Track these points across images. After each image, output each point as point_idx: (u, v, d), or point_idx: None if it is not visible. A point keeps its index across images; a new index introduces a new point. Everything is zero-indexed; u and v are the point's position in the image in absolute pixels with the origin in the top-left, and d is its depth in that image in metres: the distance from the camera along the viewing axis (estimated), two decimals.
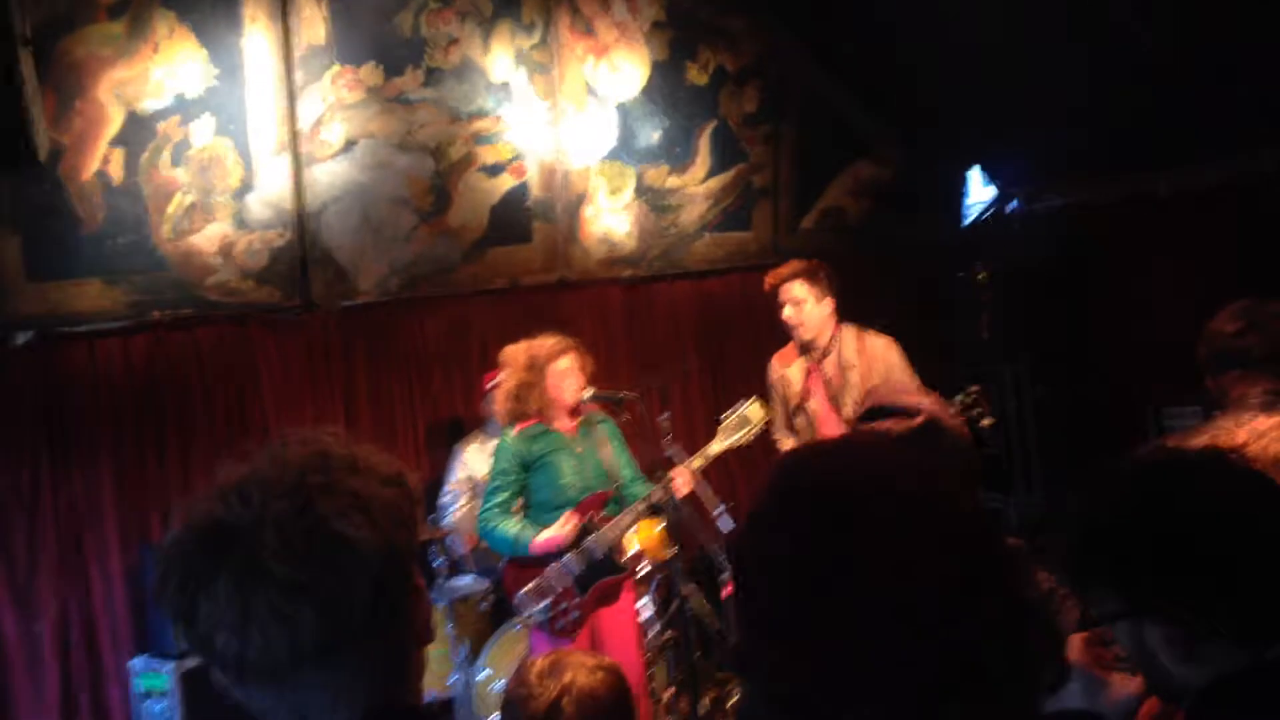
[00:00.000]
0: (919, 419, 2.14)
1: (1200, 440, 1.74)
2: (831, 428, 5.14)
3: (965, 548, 0.99)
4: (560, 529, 4.53)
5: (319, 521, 1.16)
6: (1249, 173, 6.05)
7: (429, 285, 6.21)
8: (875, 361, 5.07)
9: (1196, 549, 1.38)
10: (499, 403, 4.80)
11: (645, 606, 5.14)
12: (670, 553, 5.03)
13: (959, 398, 4.36)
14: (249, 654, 1.15)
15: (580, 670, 2.26)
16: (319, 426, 1.30)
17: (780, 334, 6.76)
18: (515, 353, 4.73)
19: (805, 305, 5.05)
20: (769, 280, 5.15)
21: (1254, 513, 1.41)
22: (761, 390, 5.18)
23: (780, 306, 5.10)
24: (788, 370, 5.24)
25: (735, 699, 5.56)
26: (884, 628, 0.95)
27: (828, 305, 5.09)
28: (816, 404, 5.15)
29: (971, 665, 0.95)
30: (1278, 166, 5.92)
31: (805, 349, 5.15)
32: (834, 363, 5.12)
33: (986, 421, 4.42)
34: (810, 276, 5.05)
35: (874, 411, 2.23)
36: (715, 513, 4.71)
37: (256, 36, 5.49)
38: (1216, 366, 3.04)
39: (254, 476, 1.20)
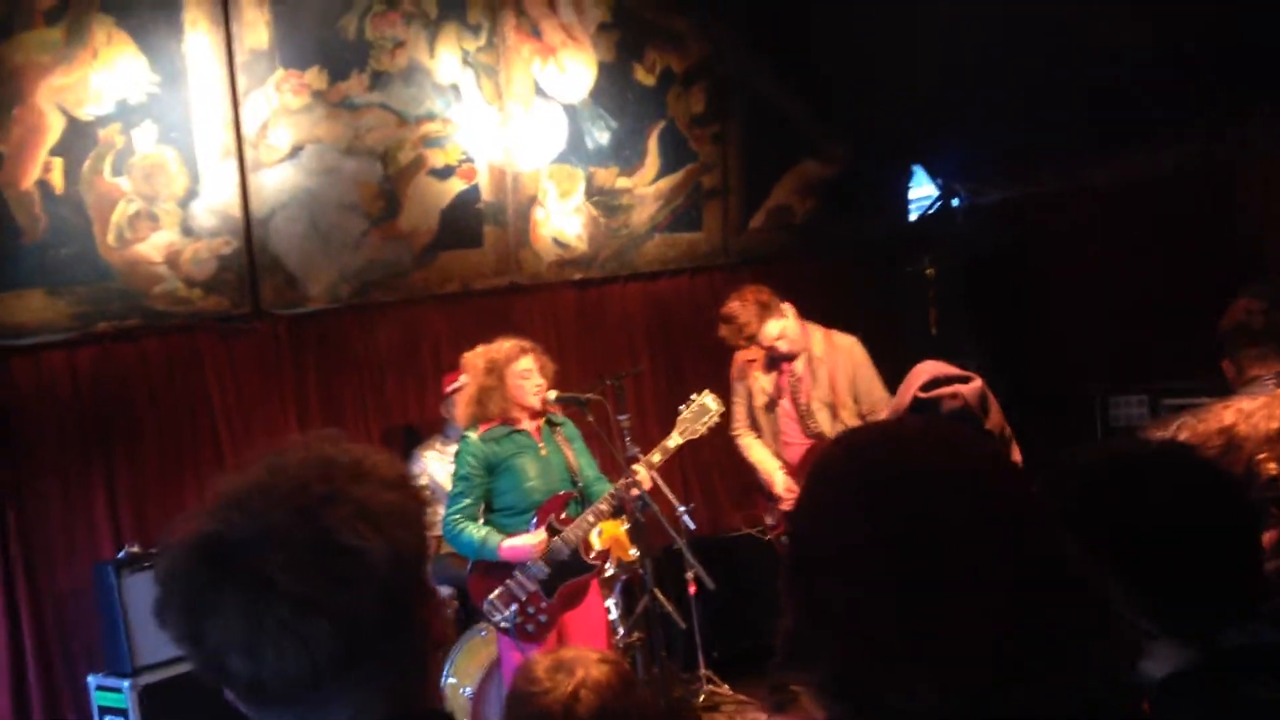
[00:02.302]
0: (977, 383, 2.26)
1: (1190, 423, 1.77)
2: (795, 428, 5.21)
3: (1036, 531, 0.99)
4: (530, 540, 4.52)
5: (325, 534, 1.11)
6: (1186, 162, 6.19)
7: (380, 291, 6.15)
8: (843, 357, 5.15)
9: (1141, 549, 1.39)
10: (460, 408, 4.77)
11: (611, 607, 5.13)
12: (634, 554, 5.03)
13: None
14: (264, 675, 1.10)
15: (589, 663, 2.26)
16: (291, 435, 1.25)
17: None
18: (474, 357, 4.71)
19: (786, 331, 5.08)
20: (739, 344, 5.12)
21: (1198, 510, 1.43)
22: (714, 386, 5.17)
23: (766, 350, 5.12)
24: (755, 368, 5.27)
25: (701, 699, 5.57)
26: (956, 611, 0.95)
27: (790, 311, 5.14)
28: (787, 403, 5.20)
29: (1043, 647, 0.96)
30: (1215, 155, 6.06)
31: (789, 359, 5.16)
32: (804, 361, 5.16)
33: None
34: (768, 310, 5.05)
35: (939, 380, 2.32)
36: (678, 512, 4.73)
37: (198, 41, 5.40)
38: (1233, 345, 3.07)
39: (254, 488, 1.14)
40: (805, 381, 5.14)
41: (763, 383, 5.25)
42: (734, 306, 5.08)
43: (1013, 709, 0.96)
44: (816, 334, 5.21)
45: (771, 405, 5.24)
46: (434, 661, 1.29)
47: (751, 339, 5.05)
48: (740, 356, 5.34)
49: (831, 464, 1.08)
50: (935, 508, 0.98)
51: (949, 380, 2.33)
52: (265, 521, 1.11)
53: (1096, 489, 1.46)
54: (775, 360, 5.21)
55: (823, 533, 1.04)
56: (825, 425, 5.11)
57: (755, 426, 5.33)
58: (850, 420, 5.09)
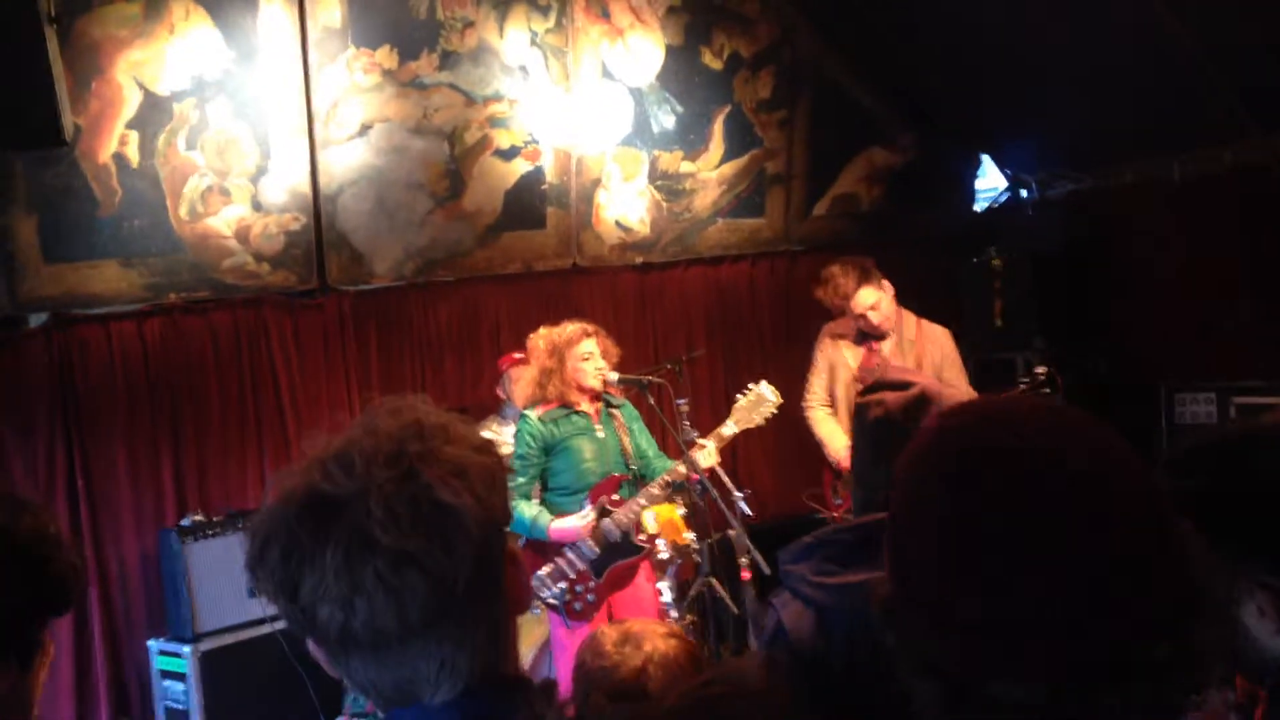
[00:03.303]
0: (914, 390, 2.22)
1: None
2: None
3: (1142, 527, 0.97)
4: (580, 521, 4.55)
5: (423, 490, 1.14)
6: (1263, 156, 6.04)
7: (443, 270, 6.20)
8: (932, 345, 5.22)
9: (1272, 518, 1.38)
10: (524, 389, 4.82)
11: (665, 590, 5.14)
12: (689, 538, 5.04)
13: (1025, 378, 4.41)
14: (354, 626, 1.13)
15: (657, 637, 2.25)
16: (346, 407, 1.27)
17: (793, 322, 6.79)
18: (537, 339, 4.77)
19: (882, 303, 5.15)
20: (834, 302, 5.19)
21: None
22: (771, 375, 5.17)
23: (857, 319, 5.18)
24: (843, 346, 5.33)
25: None
26: (1052, 605, 0.93)
27: (889, 289, 5.21)
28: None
29: (1138, 651, 0.93)
30: None
31: (877, 336, 5.23)
32: (894, 343, 5.22)
33: None
34: (867, 277, 5.12)
35: (872, 386, 2.29)
36: (735, 497, 4.73)
37: (272, 17, 5.47)
38: None
39: (353, 447, 1.16)
40: (893, 363, 5.18)
41: (848, 358, 5.30)
42: (834, 269, 5.19)
43: (1106, 702, 0.94)
44: (910, 320, 5.30)
45: (852, 385, 5.26)
46: (514, 626, 1.31)
47: (846, 301, 5.12)
48: (829, 329, 5.40)
49: (931, 438, 1.07)
50: (1030, 492, 0.96)
51: (882, 387, 2.30)
52: (366, 477, 1.14)
53: (1229, 461, 1.46)
54: (864, 336, 5.26)
55: (921, 510, 1.03)
56: None
57: (831, 402, 5.36)
58: None
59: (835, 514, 5.45)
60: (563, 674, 4.19)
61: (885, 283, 5.21)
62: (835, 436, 5.33)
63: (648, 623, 2.40)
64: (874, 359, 5.27)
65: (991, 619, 0.95)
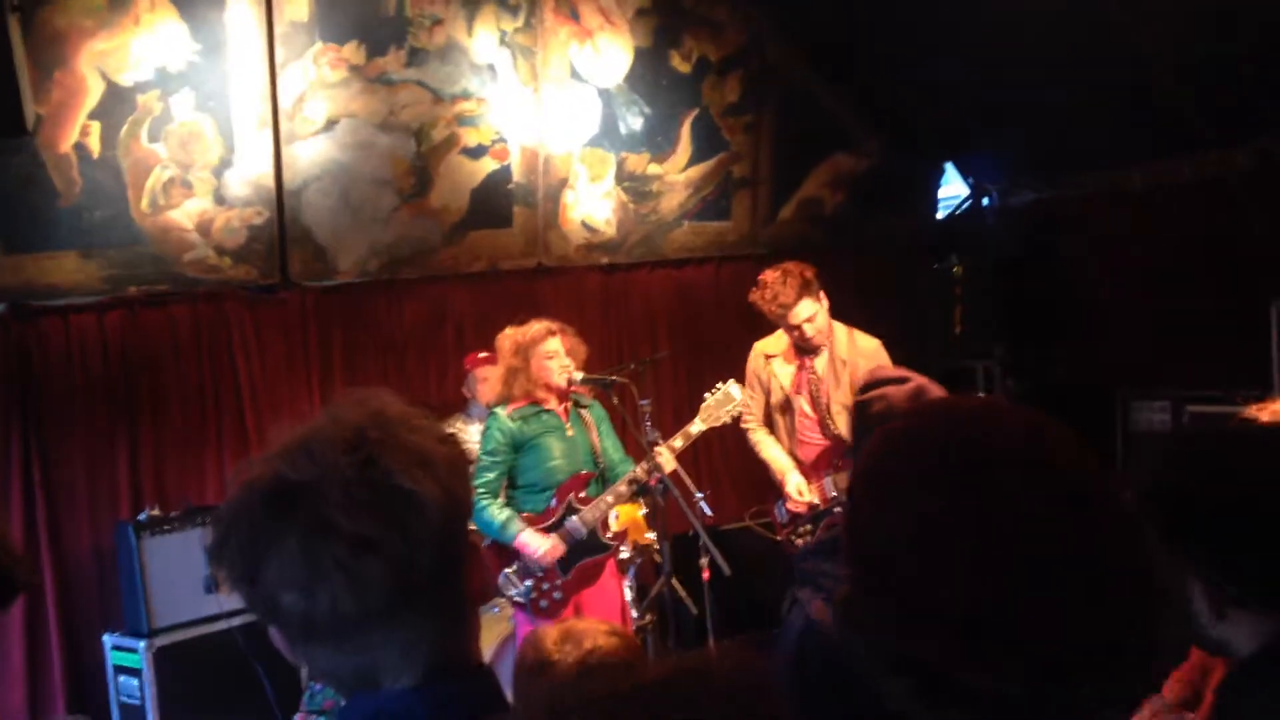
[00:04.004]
0: (912, 384, 2.26)
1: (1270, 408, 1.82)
2: (810, 424, 5.10)
3: (1114, 524, 0.99)
4: (544, 546, 4.56)
5: (383, 476, 1.16)
6: (1221, 168, 6.14)
7: (408, 267, 6.19)
8: (865, 360, 4.98)
9: (1245, 521, 1.42)
10: (492, 388, 4.84)
11: (626, 590, 5.16)
12: (650, 537, 5.06)
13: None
14: (316, 612, 1.14)
15: (597, 635, 2.26)
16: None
17: (758, 326, 6.79)
18: (504, 339, 4.80)
19: (817, 317, 4.93)
20: (771, 311, 4.94)
21: None
22: (734, 378, 5.14)
23: (789, 330, 4.98)
24: (775, 363, 5.15)
25: None
26: (1030, 599, 0.95)
27: (825, 301, 5.01)
28: (804, 400, 5.09)
29: (1110, 644, 0.96)
30: (1250, 162, 6.01)
31: (809, 351, 5.05)
32: (826, 361, 5.05)
33: None
34: (807, 289, 4.90)
35: (871, 384, 2.33)
36: (696, 498, 4.75)
37: (238, 11, 5.43)
38: None
39: (314, 434, 1.18)
40: (826, 382, 5.04)
41: (781, 378, 5.13)
42: (773, 275, 4.93)
43: (1078, 695, 0.96)
44: (841, 334, 5.10)
45: (787, 404, 5.11)
46: (475, 618, 1.32)
47: (783, 310, 4.88)
48: (759, 348, 5.25)
49: (904, 436, 1.08)
50: (1006, 488, 0.98)
51: (882, 383, 2.35)
52: (325, 464, 1.15)
53: (1196, 461, 1.51)
54: (798, 351, 5.10)
55: (896, 506, 1.04)
56: (844, 428, 4.94)
57: (769, 423, 5.21)
58: None
59: (780, 535, 5.24)
60: None
61: (822, 295, 5.00)
62: (776, 457, 5.13)
63: (591, 621, 2.42)
64: (806, 375, 5.09)
65: (969, 614, 0.97)
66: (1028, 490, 0.98)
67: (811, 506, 4.96)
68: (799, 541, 5.01)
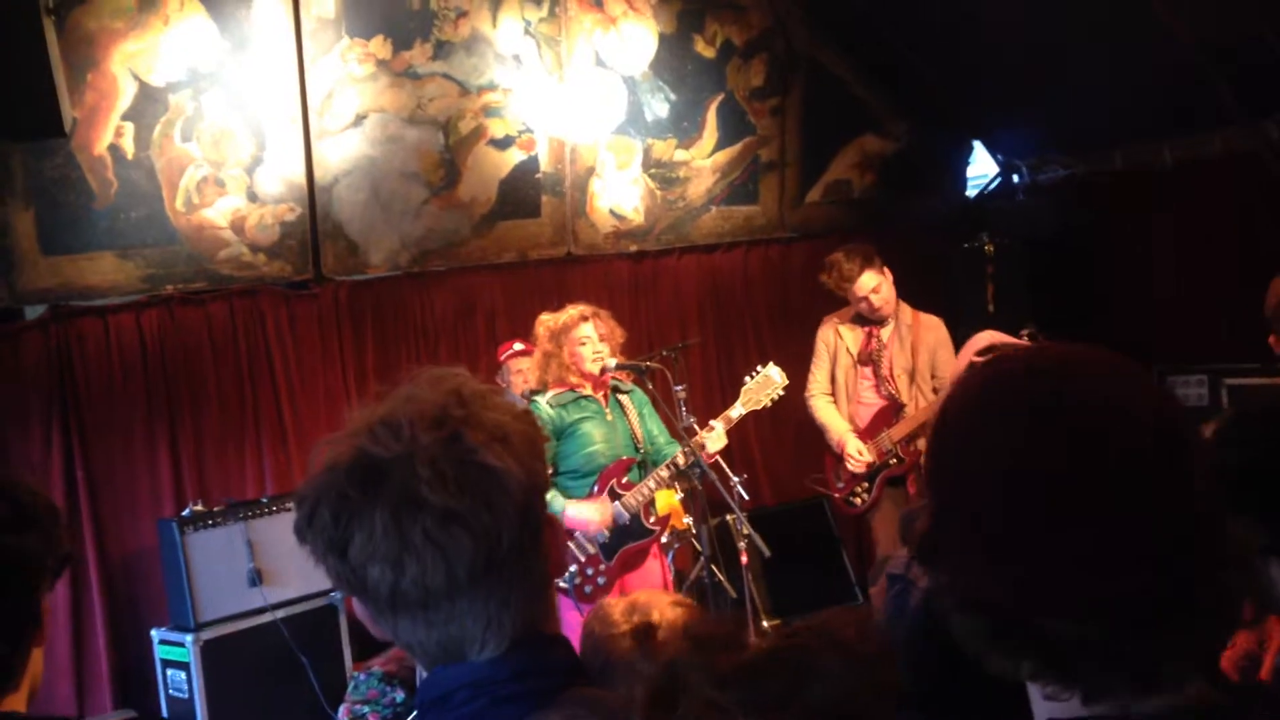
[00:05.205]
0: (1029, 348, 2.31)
1: None
2: (870, 388, 5.55)
3: (1201, 474, 1.00)
4: (595, 512, 4.59)
5: (468, 452, 1.19)
6: (1253, 142, 6.08)
7: (438, 259, 6.22)
8: (928, 332, 5.49)
9: None
10: (530, 374, 4.89)
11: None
12: (688, 522, 5.07)
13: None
14: (403, 584, 1.17)
15: (664, 606, 2.26)
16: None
17: (788, 309, 6.83)
18: (540, 325, 4.82)
19: (882, 288, 5.41)
20: (838, 286, 5.43)
21: None
22: (763, 363, 5.20)
23: (857, 302, 5.45)
24: (844, 330, 5.57)
25: None
26: (1113, 547, 0.96)
27: (889, 275, 5.47)
28: (870, 366, 5.52)
29: (1185, 600, 0.96)
30: None
31: (877, 321, 5.49)
32: (892, 330, 5.50)
33: None
34: (869, 262, 5.38)
35: (989, 349, 2.37)
36: (732, 482, 4.76)
37: (266, 9, 5.47)
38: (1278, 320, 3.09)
39: (397, 413, 1.21)
40: (890, 349, 5.48)
41: (848, 343, 5.54)
42: (839, 255, 5.44)
43: (1156, 646, 0.97)
44: (906, 310, 5.56)
45: (853, 368, 5.55)
46: (553, 592, 1.35)
47: (849, 285, 5.37)
48: (829, 320, 5.65)
49: (1004, 380, 1.08)
50: (1098, 430, 0.99)
51: (1000, 348, 2.38)
52: (411, 441, 1.19)
53: (1260, 429, 1.53)
54: (864, 321, 5.51)
55: (985, 443, 1.04)
56: (903, 390, 5.46)
57: (832, 389, 5.61)
58: (925, 389, 5.47)
59: (836, 495, 5.63)
60: None
61: (886, 269, 5.45)
62: (835, 422, 5.56)
63: (654, 593, 2.42)
64: (872, 344, 5.52)
65: (1054, 556, 0.97)
66: (1118, 435, 0.99)
67: (870, 465, 5.42)
68: (857, 501, 5.49)
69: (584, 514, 4.61)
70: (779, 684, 0.95)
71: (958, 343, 5.30)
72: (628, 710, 0.96)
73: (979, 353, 2.43)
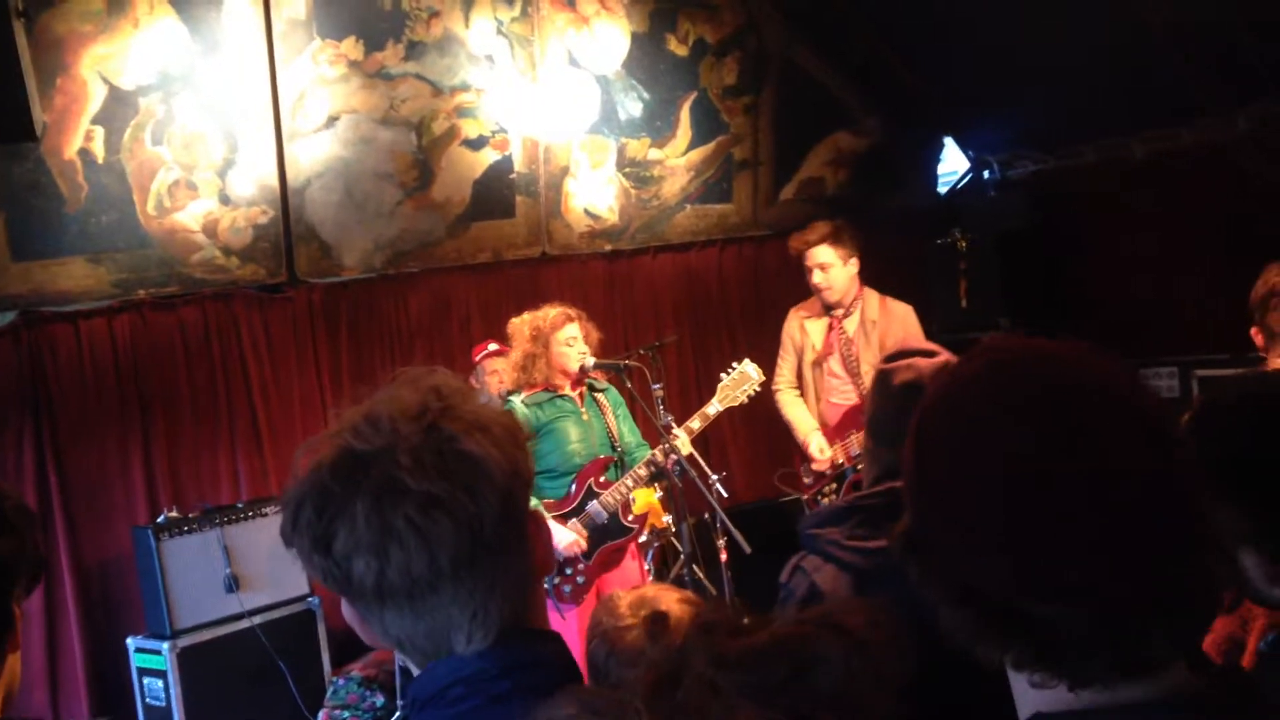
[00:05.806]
0: (940, 358, 2.28)
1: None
2: (839, 383, 5.38)
3: (1189, 466, 1.01)
4: (568, 538, 4.60)
5: (447, 440, 1.20)
6: (1223, 134, 6.14)
7: (413, 260, 6.20)
8: (896, 323, 5.30)
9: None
10: (508, 374, 4.86)
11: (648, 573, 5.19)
12: (667, 520, 5.08)
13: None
14: (388, 574, 1.18)
15: (671, 601, 2.25)
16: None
17: (763, 306, 6.84)
18: (520, 325, 4.80)
19: (832, 269, 5.25)
20: (795, 246, 5.33)
21: None
22: (741, 359, 5.22)
23: (808, 272, 5.30)
24: (809, 325, 5.44)
25: None
26: (1105, 540, 0.97)
27: (853, 266, 5.31)
28: (835, 361, 5.37)
29: (1172, 586, 0.98)
30: (1251, 128, 6.01)
31: (830, 308, 5.35)
32: (856, 322, 5.34)
33: None
34: (835, 239, 5.24)
35: (900, 354, 2.35)
36: (711, 480, 4.77)
37: (237, 11, 5.44)
38: (1262, 311, 3.12)
39: (378, 408, 1.23)
40: (857, 342, 5.32)
41: (814, 338, 5.42)
42: (816, 223, 5.36)
43: (1142, 635, 0.98)
44: (873, 298, 5.39)
45: (818, 363, 5.41)
46: (539, 588, 1.35)
47: (804, 248, 5.28)
48: (793, 312, 5.54)
49: (984, 371, 1.09)
50: (1092, 422, 1.00)
51: (911, 354, 2.36)
52: (391, 433, 1.20)
53: (1238, 419, 1.53)
54: (828, 311, 5.36)
55: (977, 437, 1.05)
56: None
57: (799, 384, 5.48)
58: None
59: (805, 495, 5.49)
60: None
61: (854, 259, 5.29)
62: (801, 419, 5.42)
63: (661, 587, 2.42)
64: (837, 335, 5.38)
65: (1045, 543, 0.98)
66: (1112, 427, 1.00)
67: (835, 465, 5.22)
68: (825, 501, 5.27)
69: (558, 535, 4.60)
70: (780, 669, 0.96)
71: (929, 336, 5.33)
72: (625, 704, 0.96)
73: (886, 358, 2.41)
